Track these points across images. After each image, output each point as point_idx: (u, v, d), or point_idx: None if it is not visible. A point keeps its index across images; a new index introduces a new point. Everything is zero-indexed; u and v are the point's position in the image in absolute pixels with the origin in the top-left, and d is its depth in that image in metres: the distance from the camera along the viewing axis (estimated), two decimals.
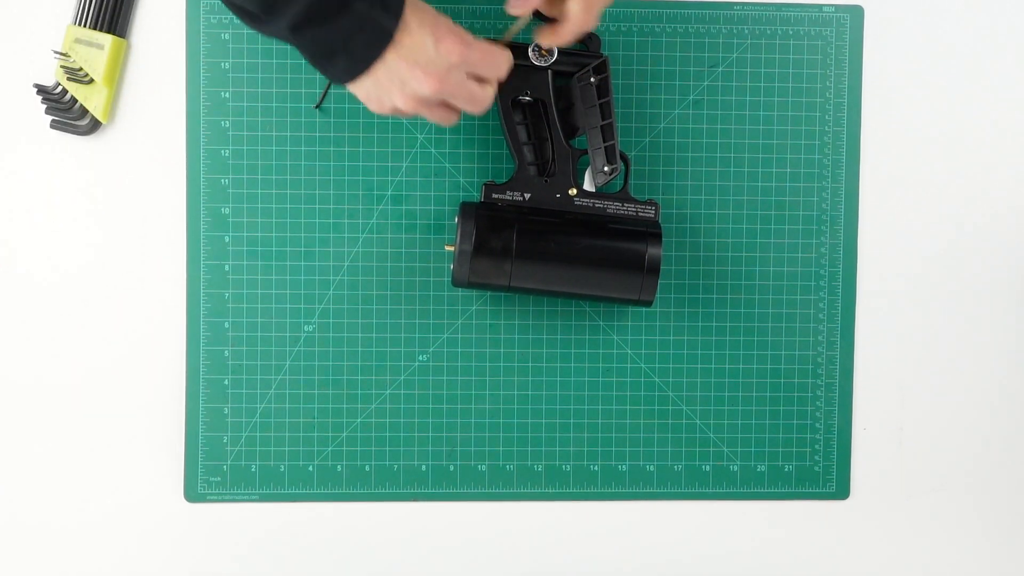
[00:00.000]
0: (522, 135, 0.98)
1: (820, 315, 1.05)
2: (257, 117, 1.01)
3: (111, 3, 1.00)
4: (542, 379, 1.04)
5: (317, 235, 1.02)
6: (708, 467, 1.05)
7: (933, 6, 1.05)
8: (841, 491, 1.05)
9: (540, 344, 1.04)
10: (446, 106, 0.88)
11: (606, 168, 0.97)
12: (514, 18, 0.91)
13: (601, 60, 0.96)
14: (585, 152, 0.98)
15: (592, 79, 0.95)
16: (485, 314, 1.03)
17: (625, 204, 0.98)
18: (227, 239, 1.02)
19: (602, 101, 0.96)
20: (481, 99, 0.88)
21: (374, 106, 0.87)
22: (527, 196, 0.97)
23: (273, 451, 1.03)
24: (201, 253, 1.02)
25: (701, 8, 1.03)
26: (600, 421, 1.04)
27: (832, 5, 1.04)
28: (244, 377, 1.03)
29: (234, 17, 0.99)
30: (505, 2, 0.88)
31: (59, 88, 1.02)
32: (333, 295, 1.03)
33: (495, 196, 0.97)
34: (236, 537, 1.04)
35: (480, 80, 0.88)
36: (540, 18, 0.93)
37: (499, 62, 0.88)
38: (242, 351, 1.02)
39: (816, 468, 1.05)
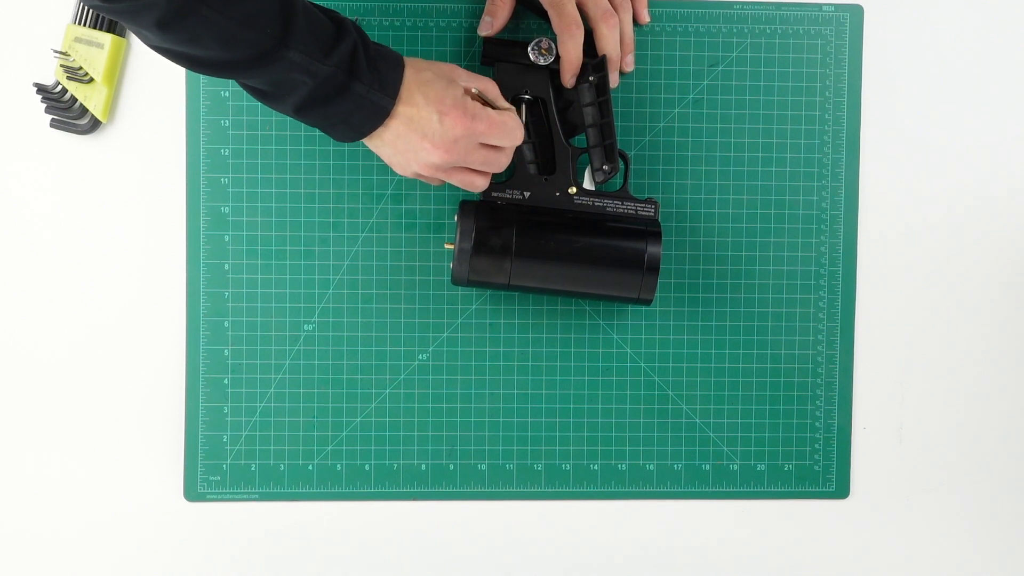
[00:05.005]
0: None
1: (820, 314, 1.05)
2: (257, 116, 1.01)
3: None
4: (542, 378, 1.04)
5: (317, 234, 1.02)
6: (708, 466, 1.05)
7: (933, 6, 1.05)
8: (841, 490, 1.05)
9: (540, 343, 1.04)
10: (467, 171, 0.92)
11: (605, 167, 0.97)
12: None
13: (599, 59, 0.96)
14: (585, 151, 0.98)
15: (591, 77, 0.95)
16: (485, 313, 1.03)
17: (625, 202, 0.98)
18: (227, 238, 1.02)
19: (601, 99, 0.95)
20: (495, 163, 0.92)
21: (399, 170, 0.92)
22: (527, 194, 0.97)
23: (273, 450, 1.03)
24: (201, 252, 1.02)
25: (701, 8, 1.03)
26: (600, 420, 1.04)
27: (832, 4, 1.04)
28: (244, 376, 1.03)
29: None
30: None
31: (59, 87, 1.02)
32: (333, 294, 1.03)
33: (495, 194, 0.97)
34: (236, 536, 1.04)
35: (495, 147, 0.91)
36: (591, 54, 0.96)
37: (509, 130, 0.91)
38: (242, 350, 1.02)
39: (816, 467, 1.05)
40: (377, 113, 0.87)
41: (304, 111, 0.86)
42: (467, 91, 0.91)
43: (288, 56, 0.81)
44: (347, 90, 0.84)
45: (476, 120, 0.88)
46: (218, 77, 0.86)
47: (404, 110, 0.87)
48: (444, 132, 0.88)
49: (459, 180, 0.92)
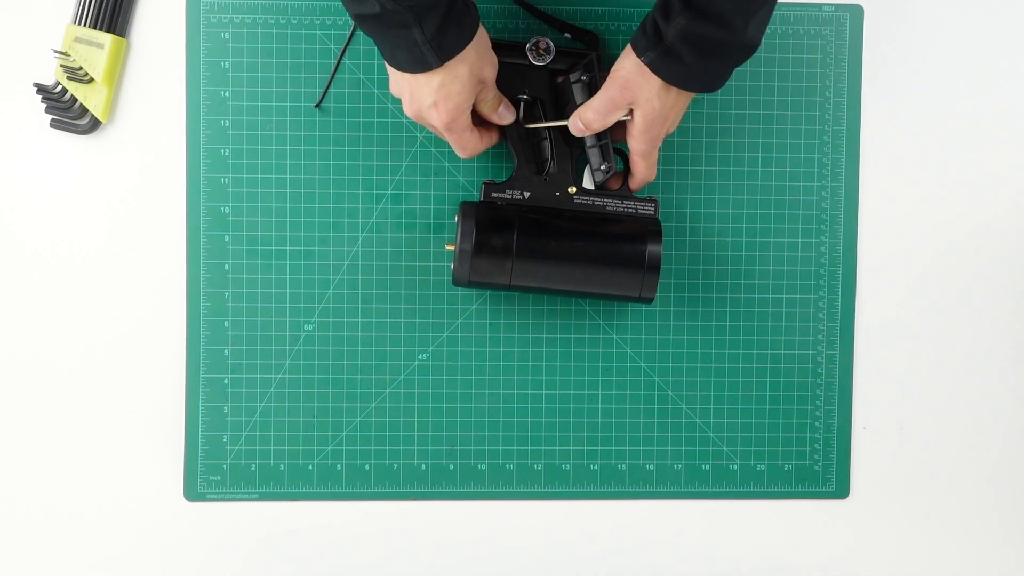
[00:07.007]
0: (521, 133, 0.98)
1: (820, 314, 1.05)
2: (257, 116, 1.01)
3: (111, 2, 1.00)
4: (542, 378, 1.04)
5: (317, 235, 1.02)
6: (708, 466, 1.05)
7: (933, 6, 1.05)
8: (841, 490, 1.05)
9: (540, 344, 1.04)
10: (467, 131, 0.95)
11: (603, 166, 0.97)
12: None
13: (589, 58, 0.96)
14: (584, 150, 0.97)
15: (583, 77, 0.95)
16: (485, 313, 1.03)
17: (625, 202, 0.98)
18: (227, 238, 1.02)
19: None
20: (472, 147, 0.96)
21: (406, 107, 0.93)
22: (527, 195, 0.97)
23: (273, 450, 1.03)
24: (201, 252, 1.02)
25: None
26: (600, 420, 1.04)
27: (832, 4, 1.04)
28: (244, 376, 1.03)
29: (234, 16, 1.00)
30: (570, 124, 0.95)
31: (59, 87, 1.02)
32: (333, 294, 1.03)
33: (495, 195, 0.97)
34: (236, 536, 1.04)
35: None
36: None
37: (462, 149, 0.95)
38: (242, 350, 1.02)
39: (816, 467, 1.05)
40: (420, 64, 0.88)
41: (364, 21, 0.87)
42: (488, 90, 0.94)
43: None
44: (408, 29, 0.85)
45: (449, 132, 0.92)
46: None
47: (452, 67, 0.89)
48: (430, 119, 0.92)
49: (455, 141, 0.95)
